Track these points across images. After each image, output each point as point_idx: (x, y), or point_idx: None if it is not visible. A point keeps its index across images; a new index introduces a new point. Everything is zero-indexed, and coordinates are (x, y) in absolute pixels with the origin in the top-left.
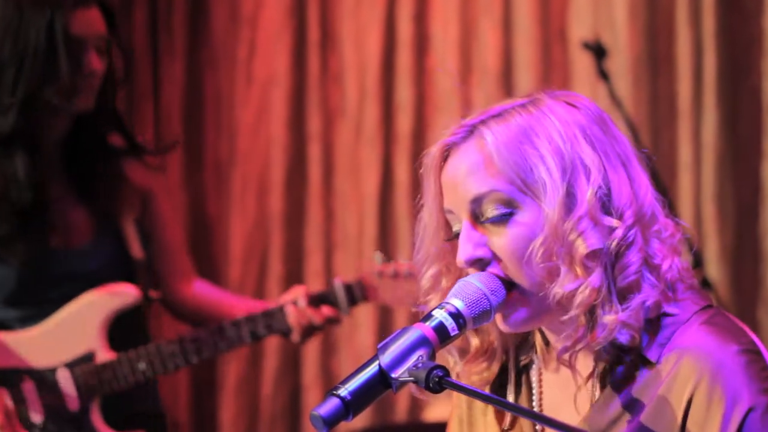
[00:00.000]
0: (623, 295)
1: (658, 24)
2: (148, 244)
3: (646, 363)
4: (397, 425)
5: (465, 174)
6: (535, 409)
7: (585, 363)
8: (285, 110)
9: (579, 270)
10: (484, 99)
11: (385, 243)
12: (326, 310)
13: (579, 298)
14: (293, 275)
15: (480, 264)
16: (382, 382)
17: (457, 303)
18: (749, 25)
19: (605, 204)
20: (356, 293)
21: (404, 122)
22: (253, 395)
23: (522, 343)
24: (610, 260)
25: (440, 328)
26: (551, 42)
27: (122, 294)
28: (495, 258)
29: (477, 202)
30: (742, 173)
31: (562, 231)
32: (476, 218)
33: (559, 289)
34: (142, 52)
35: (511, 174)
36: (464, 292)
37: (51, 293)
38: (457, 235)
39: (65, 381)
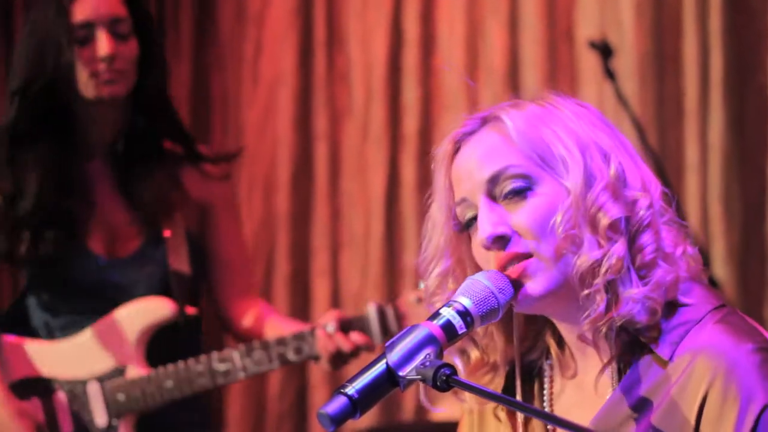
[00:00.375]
0: (641, 273)
1: (664, 23)
2: (203, 260)
3: (659, 361)
4: (404, 424)
5: (483, 156)
6: (546, 409)
7: (592, 357)
8: (291, 110)
9: (602, 240)
10: (491, 98)
11: (392, 242)
12: (357, 337)
13: (605, 266)
14: (300, 275)
15: (501, 241)
16: (389, 380)
17: (465, 301)
18: (756, 24)
19: (623, 183)
20: (389, 319)
21: (411, 122)
22: (260, 394)
23: (530, 351)
24: (632, 236)
25: (448, 327)
26: (558, 41)
27: (158, 309)
28: (516, 234)
29: (494, 180)
30: (749, 173)
31: (585, 203)
32: (493, 197)
33: (583, 259)
34: None
35: (529, 150)
36: (472, 290)
37: (90, 302)
38: (467, 226)
39: (94, 395)
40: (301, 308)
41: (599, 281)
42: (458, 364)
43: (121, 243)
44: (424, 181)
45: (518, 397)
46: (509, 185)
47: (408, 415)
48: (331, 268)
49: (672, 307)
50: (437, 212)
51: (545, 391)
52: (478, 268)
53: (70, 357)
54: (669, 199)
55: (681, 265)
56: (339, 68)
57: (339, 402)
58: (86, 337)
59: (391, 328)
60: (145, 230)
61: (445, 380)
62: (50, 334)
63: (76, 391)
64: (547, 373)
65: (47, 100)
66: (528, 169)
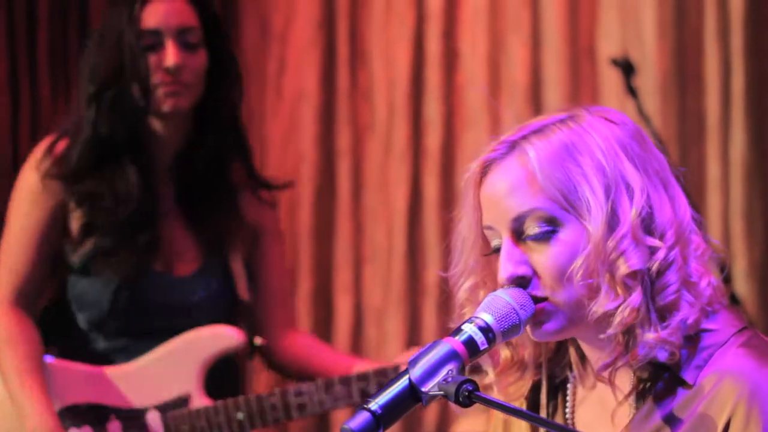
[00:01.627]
0: (662, 314)
1: (686, 41)
2: (252, 288)
3: (683, 384)
4: None
5: (506, 191)
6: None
7: (623, 380)
8: (314, 126)
9: (619, 289)
10: (513, 115)
11: (414, 258)
12: None
13: (618, 318)
14: (322, 290)
15: (521, 281)
16: (412, 395)
17: (487, 317)
18: None
19: (647, 223)
20: None
21: (433, 138)
22: None
23: (555, 358)
24: (651, 280)
25: (470, 342)
26: (580, 59)
27: (226, 337)
28: (535, 275)
29: (519, 220)
30: None
31: (605, 250)
32: (517, 236)
33: (598, 307)
34: None
35: (554, 191)
36: (493, 307)
37: (146, 323)
38: (495, 251)
39: (155, 424)
40: (323, 323)
41: (612, 331)
42: (488, 364)
43: (182, 261)
44: (447, 197)
45: (543, 405)
46: (533, 229)
47: (429, 429)
48: (354, 283)
49: (695, 336)
50: (467, 230)
51: (567, 402)
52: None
53: (128, 383)
54: (699, 225)
55: (704, 296)
56: (362, 85)
57: (363, 417)
58: (145, 363)
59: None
60: (206, 250)
61: (467, 396)
62: (98, 357)
63: (133, 419)
64: (570, 383)
65: (121, 107)
66: (552, 211)
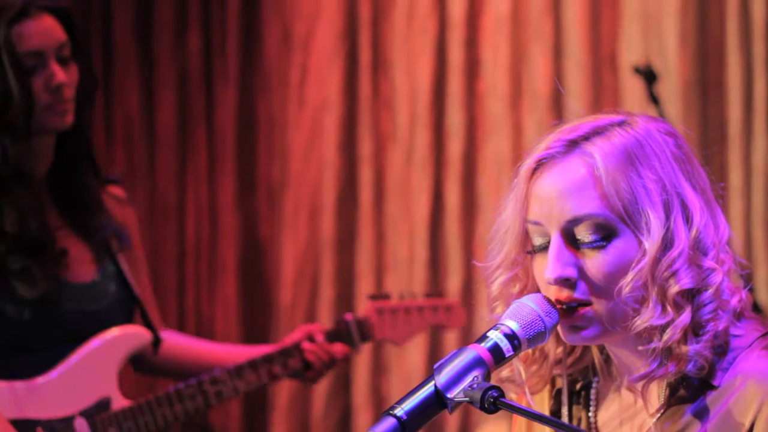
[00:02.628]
0: (696, 330)
1: (708, 49)
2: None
3: (707, 385)
4: None
5: (566, 191)
6: (591, 429)
7: (651, 389)
8: (337, 134)
9: (670, 307)
10: (535, 124)
11: (436, 266)
12: (340, 347)
13: (668, 335)
14: (344, 298)
15: (567, 284)
16: (437, 402)
17: (512, 324)
18: None
19: (698, 243)
20: (365, 330)
21: (455, 147)
22: (305, 415)
23: (577, 359)
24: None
25: (495, 349)
26: (602, 67)
27: (136, 336)
28: (581, 279)
29: (574, 222)
30: None
31: (658, 266)
32: (569, 237)
33: (643, 322)
34: (196, 77)
35: (616, 200)
36: (519, 314)
37: (61, 332)
38: (538, 249)
39: (83, 431)
40: None
41: (658, 345)
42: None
43: (81, 268)
44: (468, 206)
45: (565, 404)
46: (588, 236)
47: None
48: (376, 291)
49: (724, 343)
50: (511, 222)
51: (591, 406)
52: (536, 283)
53: (49, 395)
54: (733, 244)
55: (735, 312)
56: (384, 93)
57: (388, 423)
58: (62, 372)
59: (367, 337)
60: (98, 254)
61: (492, 402)
62: (26, 371)
63: (61, 429)
64: (594, 387)
65: (11, 134)
66: (610, 220)
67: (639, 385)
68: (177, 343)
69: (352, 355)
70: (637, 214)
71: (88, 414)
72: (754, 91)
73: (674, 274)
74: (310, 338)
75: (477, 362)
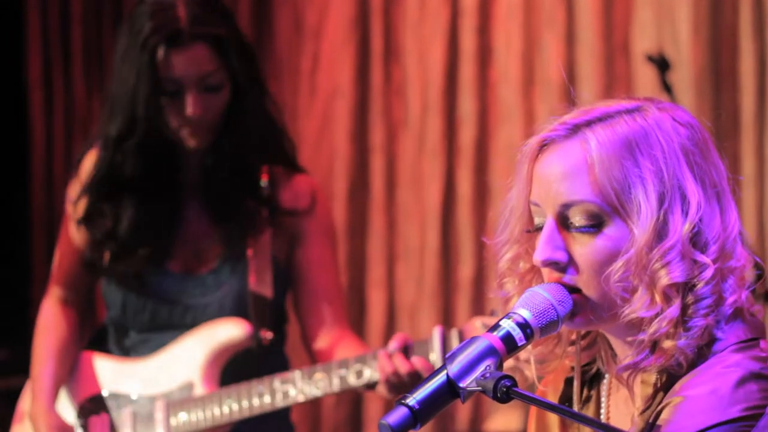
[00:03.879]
0: (686, 325)
1: (721, 38)
2: (294, 287)
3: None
4: None
5: (561, 175)
6: (603, 421)
7: (646, 381)
8: (348, 122)
9: (659, 298)
10: (547, 112)
11: (447, 254)
12: (417, 362)
13: (654, 327)
14: (355, 286)
15: (555, 266)
16: (450, 391)
17: (525, 313)
18: None
19: (695, 236)
20: (451, 345)
21: (467, 134)
22: (316, 404)
23: (588, 347)
24: (687, 289)
25: (508, 338)
26: (614, 55)
27: (233, 329)
28: (571, 264)
29: (567, 206)
30: None
31: (649, 257)
32: (562, 221)
33: (631, 311)
34: None
35: (608, 188)
36: (532, 302)
37: (163, 320)
38: (537, 229)
39: (160, 411)
40: (356, 320)
41: (644, 337)
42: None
43: (201, 261)
44: (480, 193)
45: (576, 399)
46: (580, 221)
47: (462, 427)
48: (387, 279)
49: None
50: (516, 201)
51: (603, 395)
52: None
53: (143, 374)
54: (745, 239)
55: (728, 312)
56: (395, 81)
57: (400, 413)
58: (161, 354)
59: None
60: (228, 249)
61: (505, 392)
62: (124, 352)
63: (144, 407)
64: (605, 377)
65: (143, 152)
66: (602, 207)
67: (625, 375)
68: (339, 347)
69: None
70: (629, 203)
71: (169, 396)
72: (767, 80)
73: (666, 265)
74: (391, 352)
75: (489, 351)
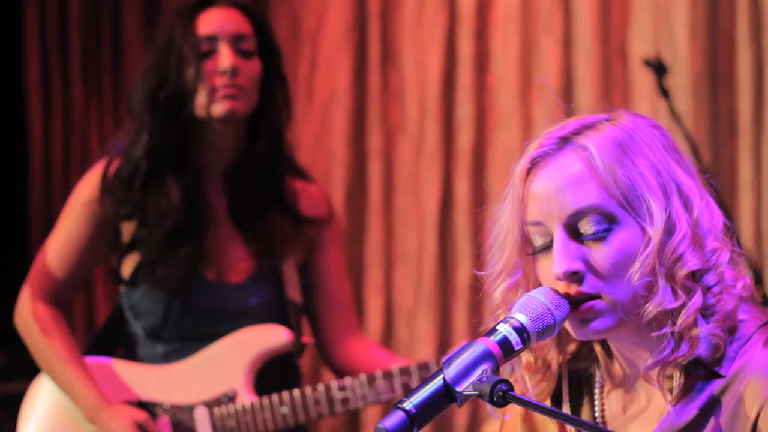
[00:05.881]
0: (705, 310)
1: (718, 42)
2: (309, 294)
3: (717, 376)
4: None
5: (564, 186)
6: (598, 423)
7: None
8: (346, 127)
9: (680, 290)
10: (545, 116)
11: (445, 259)
12: None
13: (682, 318)
14: (353, 290)
15: (575, 277)
16: (446, 395)
17: (522, 318)
18: None
19: (702, 230)
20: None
21: (464, 139)
22: None
23: (578, 355)
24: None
25: (504, 343)
26: (612, 59)
27: (275, 336)
28: (589, 272)
29: (576, 215)
30: None
31: (664, 251)
32: (572, 231)
33: (654, 307)
34: None
35: (615, 189)
36: (528, 307)
37: (199, 329)
38: (540, 249)
39: (202, 420)
40: None
41: (672, 329)
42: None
43: (232, 270)
44: (478, 198)
45: (566, 401)
46: (591, 227)
47: (460, 431)
48: (385, 284)
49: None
50: (509, 227)
51: (596, 398)
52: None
53: (178, 381)
54: (731, 232)
55: (741, 297)
56: (393, 86)
57: (397, 417)
58: (194, 362)
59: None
60: (258, 258)
61: (501, 396)
62: (155, 360)
63: (181, 416)
64: (597, 378)
65: (176, 115)
66: (612, 209)
67: (654, 372)
68: (363, 351)
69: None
70: (637, 201)
71: (211, 404)
72: (765, 84)
73: (680, 257)
74: None
75: (486, 356)
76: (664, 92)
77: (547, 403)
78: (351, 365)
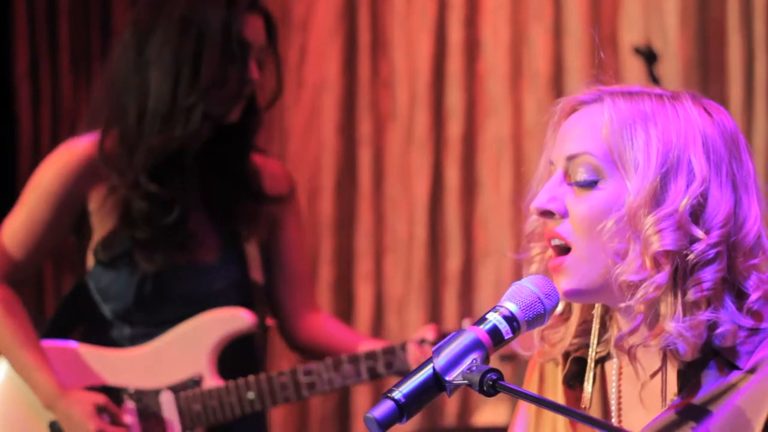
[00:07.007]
0: (690, 309)
1: (709, 30)
2: (270, 270)
3: (731, 367)
4: (446, 429)
5: (573, 132)
6: (613, 404)
7: (653, 358)
8: (336, 114)
9: (648, 263)
10: (535, 104)
11: (435, 247)
12: None
13: (642, 292)
14: (343, 279)
15: (550, 217)
16: (436, 385)
17: (512, 306)
18: None
19: (696, 214)
20: None
21: (454, 127)
22: None
23: (601, 330)
24: (684, 269)
25: (494, 332)
26: (602, 46)
27: (238, 318)
28: (568, 218)
29: (570, 159)
30: None
31: (644, 221)
32: (568, 175)
33: (621, 273)
34: None
35: (611, 143)
36: (518, 296)
37: (170, 312)
38: None
39: (168, 405)
40: (344, 313)
41: (633, 302)
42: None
43: (202, 251)
44: (468, 186)
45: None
46: (580, 174)
47: (450, 420)
48: (375, 273)
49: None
50: (542, 161)
51: (614, 378)
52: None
53: (142, 366)
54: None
55: (753, 309)
56: (383, 73)
57: (386, 406)
58: (158, 345)
59: None
60: (224, 239)
61: (491, 385)
62: (121, 344)
63: (147, 401)
64: (615, 359)
65: (210, 117)
66: (601, 160)
67: (623, 344)
68: (324, 327)
69: None
70: (628, 162)
71: (176, 389)
72: (755, 72)
73: (659, 231)
74: (422, 340)
75: (476, 345)
76: (655, 80)
77: (560, 373)
78: (309, 339)
